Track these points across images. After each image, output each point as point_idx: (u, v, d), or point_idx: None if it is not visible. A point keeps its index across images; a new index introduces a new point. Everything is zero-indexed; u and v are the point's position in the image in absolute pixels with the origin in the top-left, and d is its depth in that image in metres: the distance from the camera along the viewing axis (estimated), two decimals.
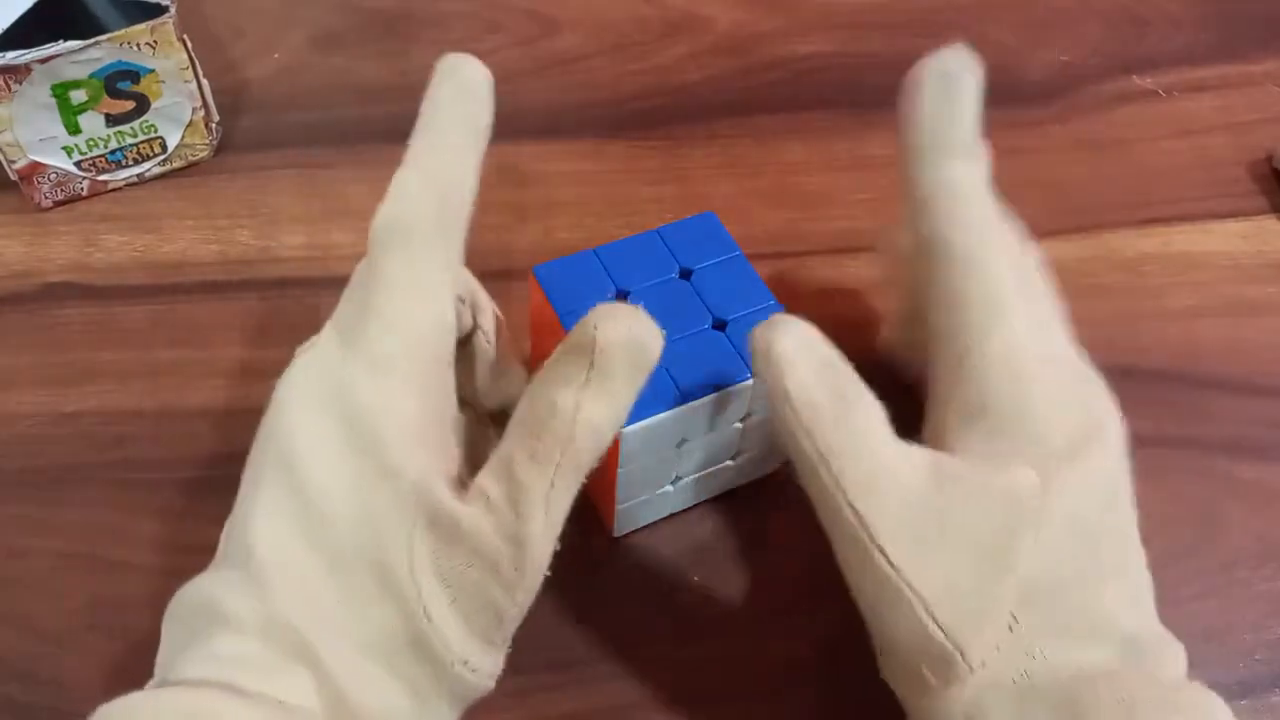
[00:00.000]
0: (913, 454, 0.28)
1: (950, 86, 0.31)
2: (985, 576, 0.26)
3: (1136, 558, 0.29)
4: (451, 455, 0.28)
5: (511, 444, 0.27)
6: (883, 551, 0.27)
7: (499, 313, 0.33)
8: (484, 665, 0.27)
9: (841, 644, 0.34)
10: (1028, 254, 0.32)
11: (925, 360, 0.32)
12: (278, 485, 0.27)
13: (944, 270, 0.30)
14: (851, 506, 0.27)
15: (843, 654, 0.34)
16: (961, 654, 0.26)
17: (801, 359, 0.27)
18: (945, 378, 0.30)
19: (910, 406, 0.31)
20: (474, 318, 0.32)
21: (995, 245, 0.31)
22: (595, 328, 0.26)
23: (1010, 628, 0.26)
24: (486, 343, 0.33)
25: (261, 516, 0.27)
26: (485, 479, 0.27)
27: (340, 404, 0.27)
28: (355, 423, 0.27)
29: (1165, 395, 0.41)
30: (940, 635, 0.26)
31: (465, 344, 0.33)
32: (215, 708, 0.24)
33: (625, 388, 0.27)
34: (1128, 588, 0.28)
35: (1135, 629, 0.27)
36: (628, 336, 0.26)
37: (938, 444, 0.29)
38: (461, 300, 0.31)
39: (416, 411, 0.28)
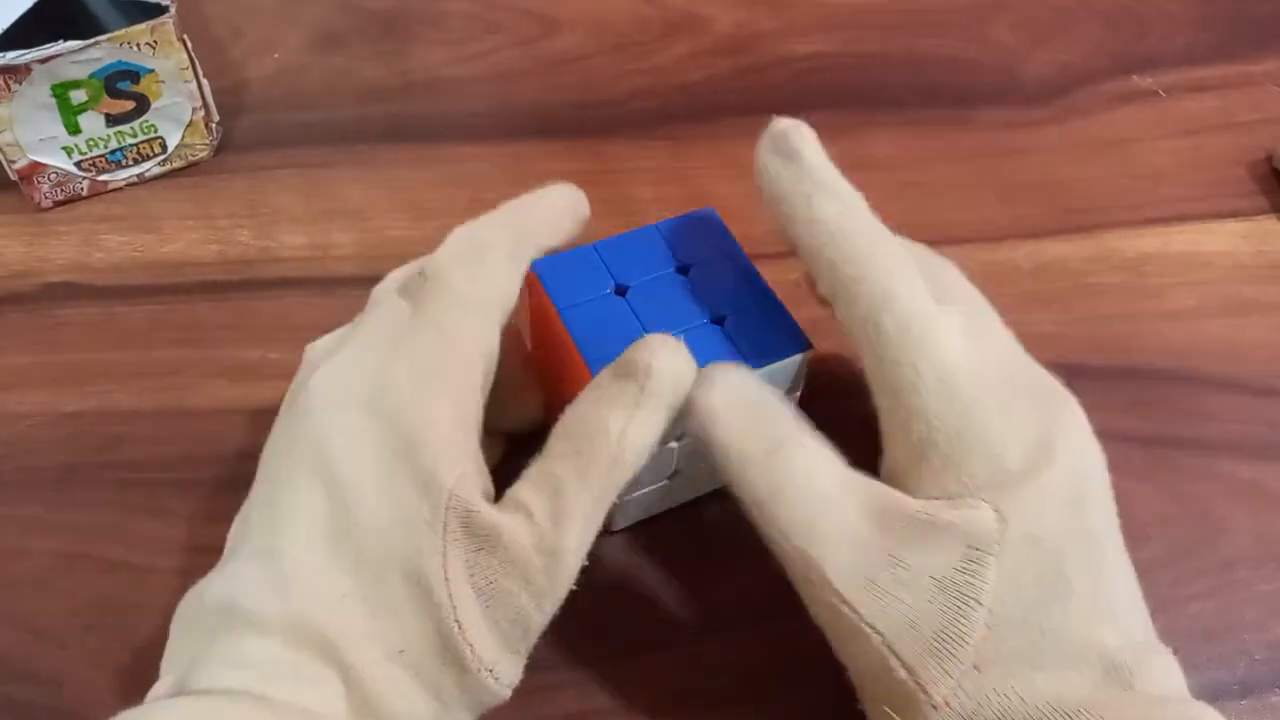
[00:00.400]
0: (860, 491, 0.27)
1: (785, 146, 0.31)
2: (947, 614, 0.26)
3: (1114, 564, 0.28)
4: (482, 468, 0.29)
5: (556, 460, 0.27)
6: (838, 594, 0.26)
7: (521, 332, 0.34)
8: (507, 674, 0.27)
9: None
10: (940, 264, 0.32)
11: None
12: (311, 488, 0.27)
13: (855, 312, 0.29)
14: (800, 551, 0.27)
15: None
16: (924, 691, 0.26)
17: (730, 410, 0.28)
18: (888, 417, 0.29)
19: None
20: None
21: (896, 269, 0.29)
22: (649, 356, 0.27)
23: (976, 665, 0.26)
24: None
25: (290, 516, 0.27)
26: (526, 492, 0.27)
27: (382, 406, 0.27)
28: (395, 426, 0.27)
29: (1165, 395, 0.41)
30: (903, 673, 0.26)
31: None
32: None
33: (667, 415, 0.28)
34: (1104, 601, 0.27)
35: (1116, 645, 0.26)
36: (677, 368, 0.27)
37: (895, 485, 0.29)
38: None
39: (454, 423, 0.28)
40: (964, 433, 0.28)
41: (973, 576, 0.26)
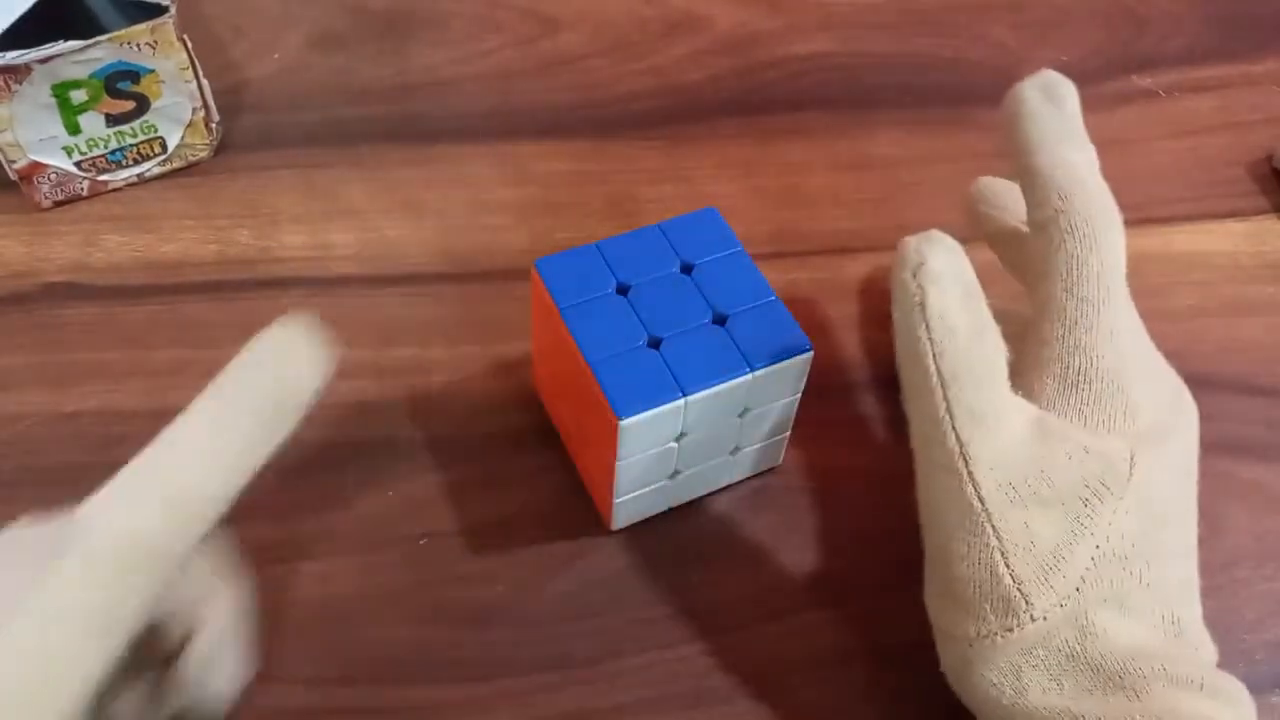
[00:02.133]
0: (1022, 403, 0.29)
1: (1054, 93, 0.34)
2: (1065, 535, 0.27)
3: (1192, 546, 0.30)
4: None
5: None
6: (976, 484, 0.27)
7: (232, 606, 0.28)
8: None
9: (841, 641, 0.34)
10: None
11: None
12: None
13: (1063, 247, 0.31)
14: (957, 434, 0.28)
15: (842, 651, 0.34)
16: (1026, 601, 0.27)
17: (950, 280, 0.28)
18: (1046, 342, 0.31)
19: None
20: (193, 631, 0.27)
21: (1114, 223, 0.32)
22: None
23: (1078, 588, 0.27)
24: (199, 658, 0.27)
25: None
26: None
27: None
28: None
29: None
30: (1009, 579, 0.27)
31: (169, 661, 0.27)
32: None
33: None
34: (1183, 572, 0.29)
35: (1187, 616, 0.29)
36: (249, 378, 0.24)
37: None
38: (172, 614, 0.26)
39: None
40: (1119, 383, 0.30)
41: (1094, 511, 0.28)
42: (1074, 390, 0.30)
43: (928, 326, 0.28)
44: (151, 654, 0.26)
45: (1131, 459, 0.28)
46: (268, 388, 0.25)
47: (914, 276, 0.28)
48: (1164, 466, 0.29)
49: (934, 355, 0.28)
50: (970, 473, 0.28)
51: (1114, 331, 0.31)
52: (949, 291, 0.28)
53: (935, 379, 0.28)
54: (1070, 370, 0.30)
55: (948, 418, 0.28)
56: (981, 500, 0.27)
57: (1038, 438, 0.28)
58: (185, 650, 0.26)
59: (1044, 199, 0.32)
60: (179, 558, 0.23)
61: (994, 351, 0.29)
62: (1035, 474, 0.28)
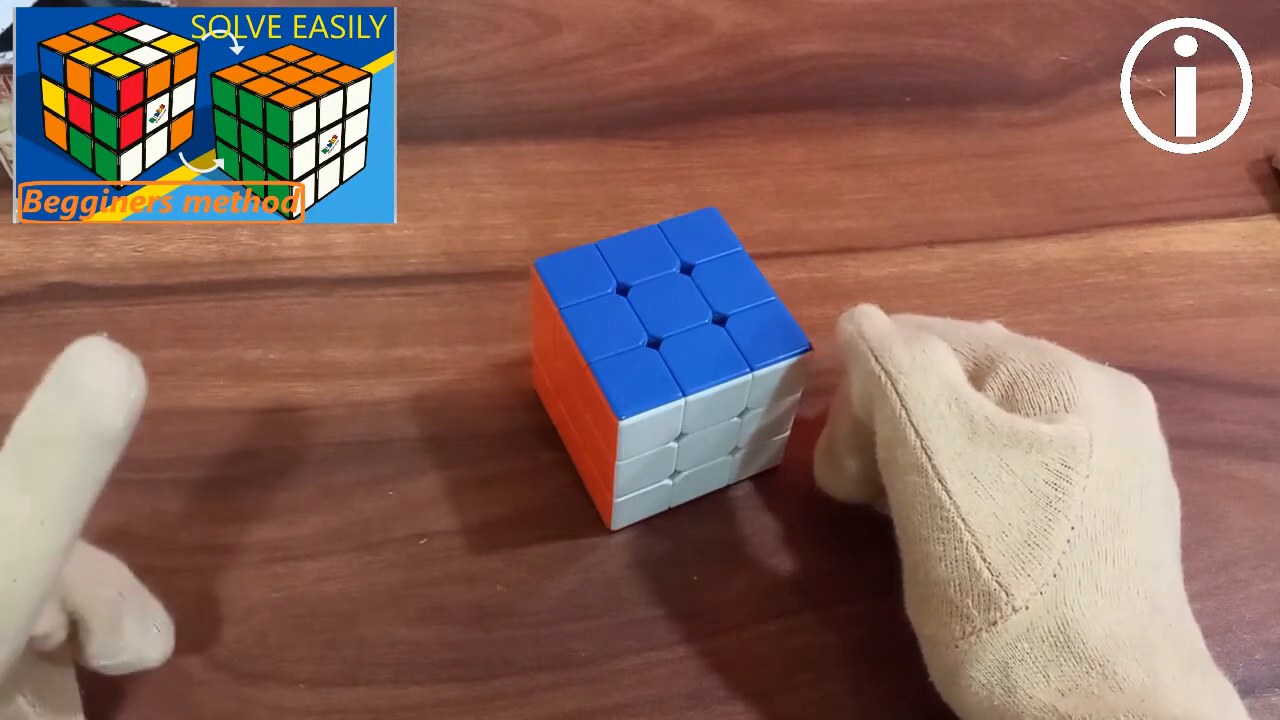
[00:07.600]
0: (977, 397, 0.29)
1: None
2: (1037, 522, 0.28)
3: (1163, 526, 0.30)
4: None
5: None
6: (941, 479, 0.28)
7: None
8: None
9: (840, 641, 0.34)
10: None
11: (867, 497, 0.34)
12: None
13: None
14: (915, 429, 0.28)
15: (841, 651, 0.34)
16: (1006, 592, 0.27)
17: (878, 311, 0.31)
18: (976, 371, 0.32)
19: None
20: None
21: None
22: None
23: (1055, 574, 0.27)
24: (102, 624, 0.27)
25: None
26: None
27: None
28: None
29: (1165, 395, 0.40)
30: (986, 573, 0.27)
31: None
32: None
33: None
34: (1153, 549, 0.29)
35: (1160, 590, 0.29)
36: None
37: None
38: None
39: None
40: (1050, 364, 0.30)
41: (1063, 492, 0.28)
42: (1011, 397, 0.30)
43: (865, 339, 0.30)
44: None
45: (1091, 439, 0.29)
46: (73, 429, 0.22)
47: (849, 319, 0.31)
48: (1118, 443, 0.29)
49: (876, 356, 0.30)
50: (934, 466, 0.28)
51: (1025, 341, 0.32)
52: (880, 314, 0.31)
53: (884, 378, 0.29)
54: (1001, 381, 0.30)
55: (904, 412, 0.29)
56: (949, 494, 0.28)
57: (994, 429, 0.29)
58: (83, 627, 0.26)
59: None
60: (33, 612, 0.23)
61: (937, 347, 0.30)
62: (995, 465, 0.28)
